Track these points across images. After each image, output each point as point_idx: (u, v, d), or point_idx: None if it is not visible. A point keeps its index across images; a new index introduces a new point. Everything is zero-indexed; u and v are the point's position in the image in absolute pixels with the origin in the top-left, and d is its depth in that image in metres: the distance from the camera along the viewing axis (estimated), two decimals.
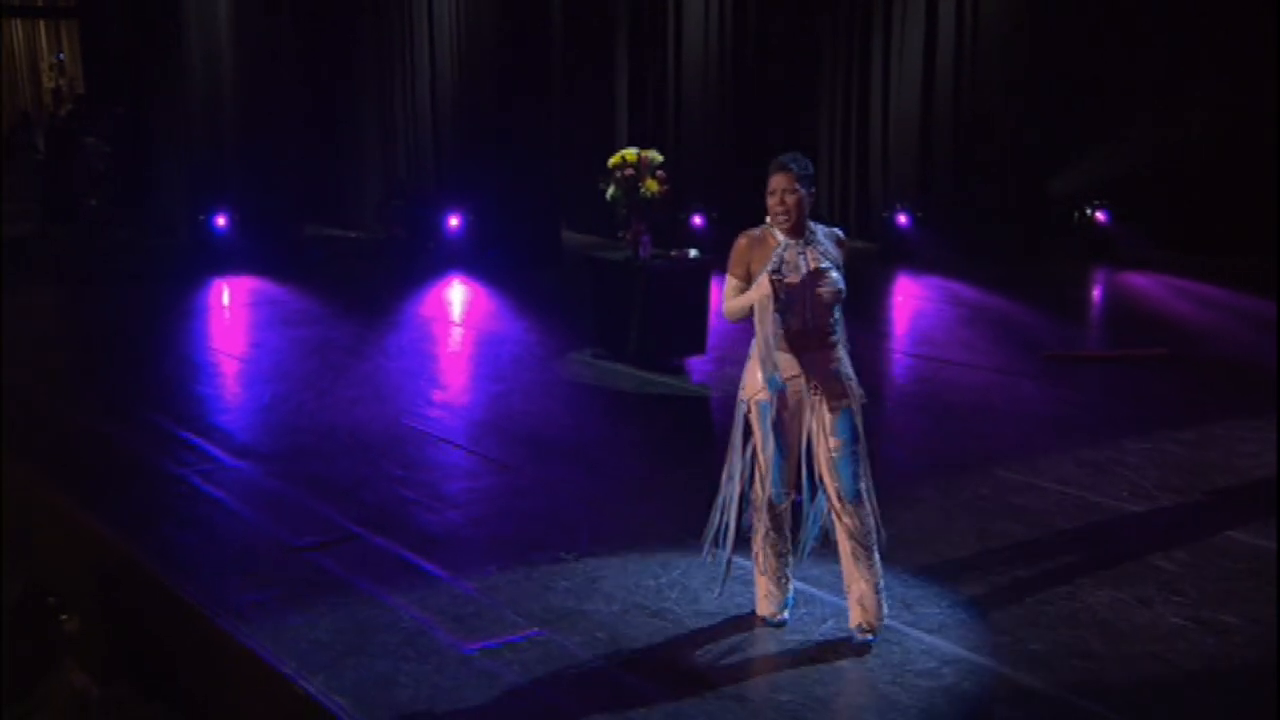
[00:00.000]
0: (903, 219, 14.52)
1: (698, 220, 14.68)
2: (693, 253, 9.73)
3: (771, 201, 4.74)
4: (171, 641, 5.38)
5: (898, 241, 14.43)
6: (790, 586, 5.04)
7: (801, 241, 4.75)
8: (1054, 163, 14.63)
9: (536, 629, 4.97)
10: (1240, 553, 5.77)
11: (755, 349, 4.77)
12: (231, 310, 12.34)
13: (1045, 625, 5.03)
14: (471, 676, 4.60)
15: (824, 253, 4.76)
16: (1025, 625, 5.03)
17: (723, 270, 4.92)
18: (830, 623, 5.00)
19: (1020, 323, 11.19)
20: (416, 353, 10.22)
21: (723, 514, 4.93)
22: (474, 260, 13.72)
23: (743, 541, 4.96)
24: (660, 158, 9.13)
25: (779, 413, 4.77)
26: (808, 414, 4.79)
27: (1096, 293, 13.42)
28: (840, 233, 4.92)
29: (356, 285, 13.16)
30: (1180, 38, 13.96)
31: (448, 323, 11.73)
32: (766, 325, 4.70)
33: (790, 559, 4.99)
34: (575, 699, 4.48)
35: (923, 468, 6.96)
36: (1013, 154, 14.32)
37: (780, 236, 4.76)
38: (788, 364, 4.76)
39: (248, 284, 12.95)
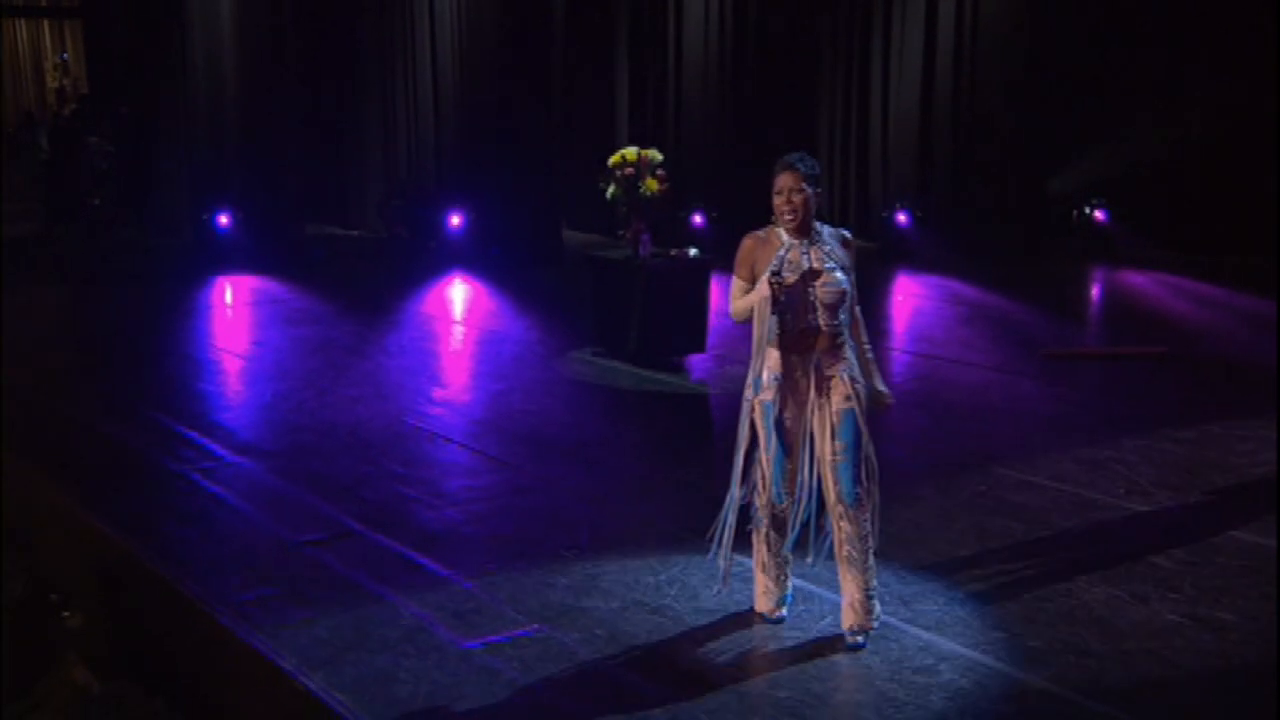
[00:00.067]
0: (902, 218, 14.55)
1: (697, 219, 14.71)
2: (692, 251, 9.76)
3: (778, 201, 4.74)
4: (172, 638, 5.40)
5: (897, 241, 14.47)
6: (789, 584, 5.06)
7: (805, 242, 4.75)
8: (1054, 163, 14.66)
9: (536, 625, 4.99)
10: (1237, 550, 5.80)
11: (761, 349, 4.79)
12: (234, 309, 12.37)
13: (1043, 622, 5.05)
14: (471, 673, 4.62)
15: (829, 253, 4.76)
16: (1023, 622, 5.05)
17: (723, 269, 4.94)
18: (828, 619, 5.02)
19: (1019, 322, 11.21)
20: (417, 351, 10.24)
21: (727, 512, 4.95)
22: (475, 259, 13.75)
23: (743, 540, 4.98)
24: (660, 157, 9.16)
25: (781, 413, 4.79)
26: (811, 415, 4.80)
27: (1095, 292, 13.45)
28: (847, 233, 4.92)
29: (358, 284, 13.19)
30: (1180, 38, 13.98)
31: (449, 321, 11.75)
32: (763, 325, 4.72)
33: (789, 557, 5.02)
34: (574, 695, 4.50)
35: (921, 466, 6.97)
36: (1012, 154, 14.34)
37: (785, 237, 4.76)
38: (792, 364, 4.78)
39: (250, 283, 12.98)
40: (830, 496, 4.82)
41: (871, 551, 4.84)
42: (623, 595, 5.28)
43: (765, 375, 4.78)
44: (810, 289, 4.71)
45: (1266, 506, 6.32)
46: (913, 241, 14.45)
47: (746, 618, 5.06)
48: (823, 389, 4.78)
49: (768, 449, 4.82)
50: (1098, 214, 14.49)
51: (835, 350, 4.79)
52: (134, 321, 11.38)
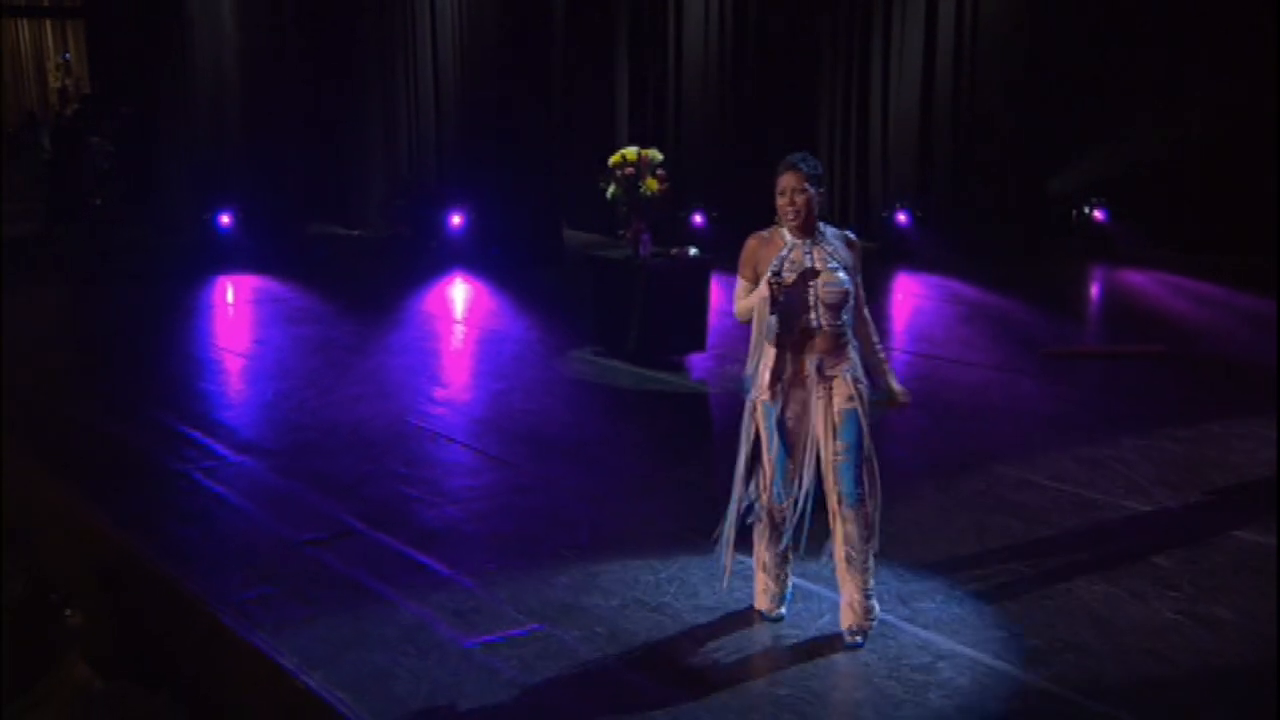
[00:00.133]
0: (902, 218, 14.57)
1: (697, 219, 14.73)
2: (692, 251, 9.77)
3: (781, 202, 4.75)
4: (174, 636, 5.41)
5: (897, 241, 14.48)
6: (789, 582, 5.07)
7: (809, 242, 4.75)
8: (1053, 163, 14.67)
9: (536, 624, 5.00)
10: (1236, 549, 5.81)
11: (763, 349, 4.81)
12: (235, 308, 12.39)
13: (1041, 620, 5.07)
14: (471, 671, 4.64)
15: (832, 253, 4.76)
16: (1021, 620, 5.06)
17: (722, 269, 4.96)
18: (827, 618, 5.03)
19: (1019, 321, 11.23)
20: (418, 350, 10.26)
21: (731, 512, 4.97)
22: (475, 258, 13.77)
23: (745, 539, 4.99)
24: (660, 156, 9.17)
25: (783, 413, 4.80)
26: (813, 415, 4.81)
27: (1095, 291, 13.46)
28: (852, 235, 4.92)
29: (359, 283, 13.21)
30: (1180, 38, 13.99)
31: (450, 320, 11.77)
32: (761, 325, 4.74)
33: (789, 556, 5.03)
34: (574, 693, 4.52)
35: (921, 465, 6.98)
36: (1012, 154, 14.35)
37: (789, 237, 4.77)
38: (793, 364, 4.78)
39: (252, 282, 13.01)
40: (832, 497, 4.83)
41: (872, 553, 4.85)
42: (623, 593, 5.30)
43: (766, 375, 4.80)
44: (810, 289, 4.71)
45: (1265, 505, 6.33)
46: (913, 241, 14.46)
47: (746, 616, 5.07)
48: (825, 389, 4.79)
49: (769, 449, 4.83)
50: (1097, 213, 14.51)
51: (838, 350, 4.79)
52: (136, 321, 11.40)
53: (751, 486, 4.92)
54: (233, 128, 14.07)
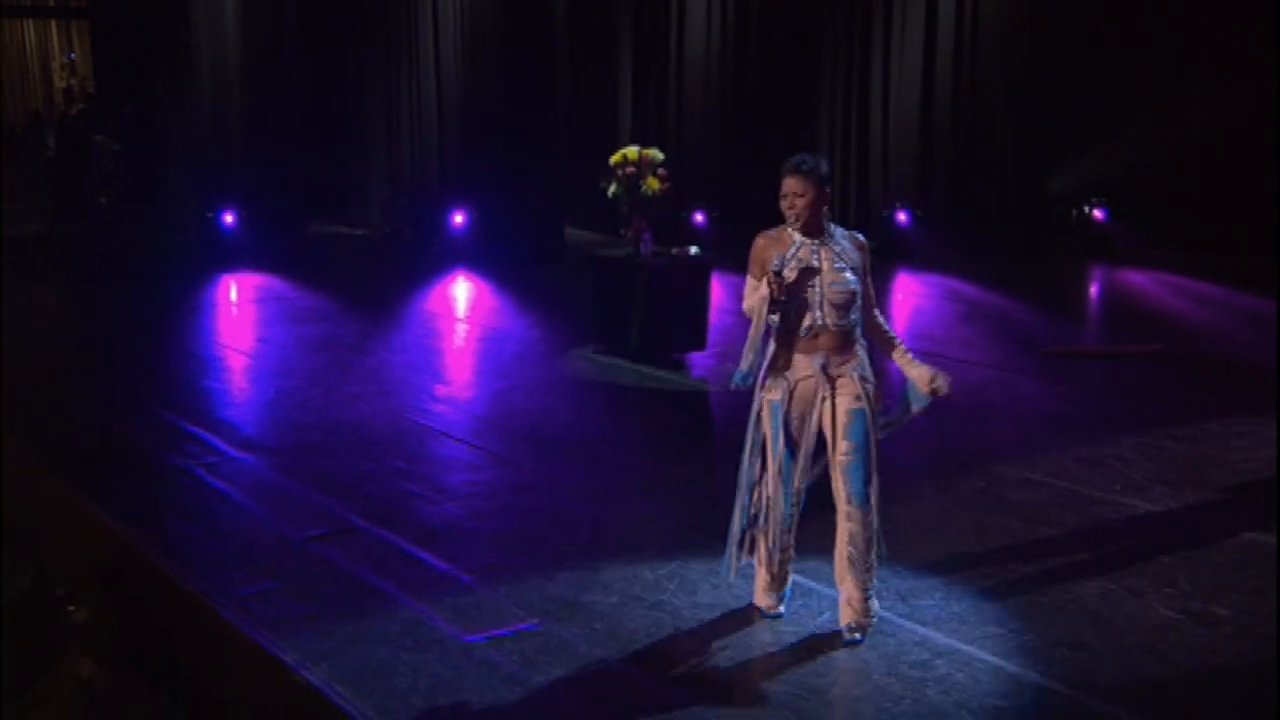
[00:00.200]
0: (903, 218, 14.58)
1: (699, 218, 14.74)
2: (693, 250, 9.77)
3: (783, 204, 4.77)
4: (176, 632, 5.44)
5: (898, 240, 14.50)
6: (789, 580, 5.08)
7: (816, 242, 4.77)
8: (1053, 162, 14.68)
9: (536, 620, 5.02)
10: (1233, 547, 5.83)
11: (769, 347, 4.83)
12: (238, 306, 12.41)
13: (1039, 618, 5.08)
14: (471, 666, 4.66)
15: (840, 253, 4.77)
16: (1019, 618, 5.07)
17: (723, 268, 4.98)
18: (827, 615, 5.05)
19: (1018, 320, 11.24)
20: (420, 349, 10.28)
21: (738, 512, 4.97)
22: (477, 257, 13.79)
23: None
24: (661, 156, 9.18)
25: (788, 412, 4.82)
26: (819, 415, 4.82)
27: (1095, 291, 13.47)
28: (861, 236, 4.94)
29: (362, 282, 13.23)
30: (1180, 38, 14.00)
31: (452, 319, 11.79)
32: (759, 323, 4.76)
33: (791, 554, 5.05)
34: (574, 690, 4.53)
35: (921, 464, 6.99)
36: (1012, 154, 14.37)
37: (796, 236, 4.79)
38: (801, 364, 4.79)
39: (255, 281, 13.03)
40: (839, 497, 4.84)
41: (874, 553, 4.86)
42: (623, 590, 5.31)
43: (765, 371, 4.82)
44: (813, 287, 4.73)
45: (1265, 504, 6.35)
46: (913, 241, 14.48)
47: (745, 613, 5.09)
48: (832, 389, 4.80)
49: (774, 447, 4.85)
50: (1097, 213, 14.52)
51: (845, 350, 4.80)
52: (139, 319, 11.42)
53: (756, 485, 4.93)
54: (235, 127, 14.09)
